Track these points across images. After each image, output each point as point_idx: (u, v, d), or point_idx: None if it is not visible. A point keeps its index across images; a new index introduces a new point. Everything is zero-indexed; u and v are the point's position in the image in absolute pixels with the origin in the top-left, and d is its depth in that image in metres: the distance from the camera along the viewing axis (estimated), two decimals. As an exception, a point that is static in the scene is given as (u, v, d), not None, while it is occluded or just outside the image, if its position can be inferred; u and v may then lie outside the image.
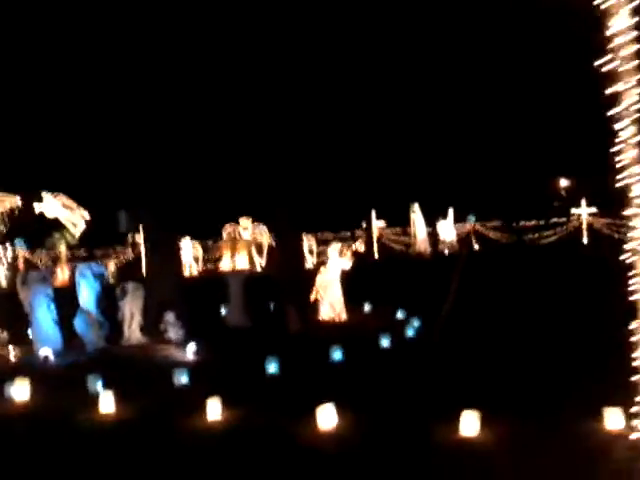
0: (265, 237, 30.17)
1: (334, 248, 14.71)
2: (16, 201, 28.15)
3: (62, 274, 27.15)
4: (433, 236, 34.51)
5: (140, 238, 31.00)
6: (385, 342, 11.60)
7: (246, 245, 13.86)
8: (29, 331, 13.16)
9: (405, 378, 9.27)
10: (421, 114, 37.01)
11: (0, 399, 8.97)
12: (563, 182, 49.20)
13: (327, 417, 7.15)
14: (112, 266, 28.62)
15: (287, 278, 13.23)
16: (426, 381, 8.98)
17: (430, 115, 37.70)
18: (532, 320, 11.98)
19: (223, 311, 15.22)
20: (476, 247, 35.47)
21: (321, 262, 14.97)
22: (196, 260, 29.42)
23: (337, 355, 10.66)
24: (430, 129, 38.41)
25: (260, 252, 29.20)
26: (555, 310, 12.75)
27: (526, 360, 9.50)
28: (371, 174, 36.52)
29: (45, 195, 28.87)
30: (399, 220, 36.50)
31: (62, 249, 30.08)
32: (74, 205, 28.90)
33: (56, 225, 29.67)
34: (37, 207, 28.91)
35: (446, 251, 33.87)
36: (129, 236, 30.64)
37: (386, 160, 36.42)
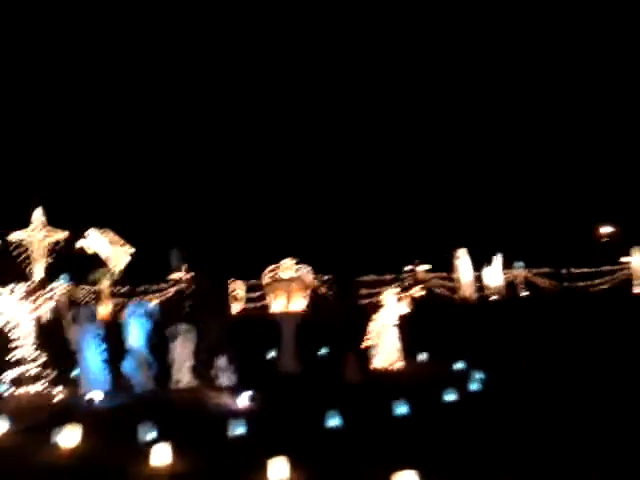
0: (309, 279, 29.66)
1: (391, 292, 14.00)
2: (64, 236, 28.41)
3: (105, 310, 26.98)
4: (478, 281, 33.58)
5: (182, 275, 30.86)
6: (449, 396, 10.81)
7: (303, 286, 13.21)
8: (74, 370, 12.82)
9: (475, 435, 8.49)
10: (470, 158, 36.48)
11: (45, 444, 8.45)
12: (606, 229, 47.82)
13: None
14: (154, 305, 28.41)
15: (345, 324, 12.55)
16: (498, 438, 8.23)
17: (477, 161, 37.18)
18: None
19: (270, 355, 14.65)
20: (525, 293, 34.39)
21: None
22: (236, 300, 29.02)
23: (401, 409, 9.89)
24: (477, 175, 37.79)
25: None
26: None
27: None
28: (417, 218, 35.89)
29: (92, 231, 29.07)
30: (443, 265, 35.66)
31: (105, 284, 30.01)
32: (120, 241, 28.95)
33: (100, 261, 29.77)
34: (79, 243, 29.08)
35: (493, 297, 32.84)
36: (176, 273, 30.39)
37: (433, 204, 35.79)
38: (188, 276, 30.72)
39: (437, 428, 9.04)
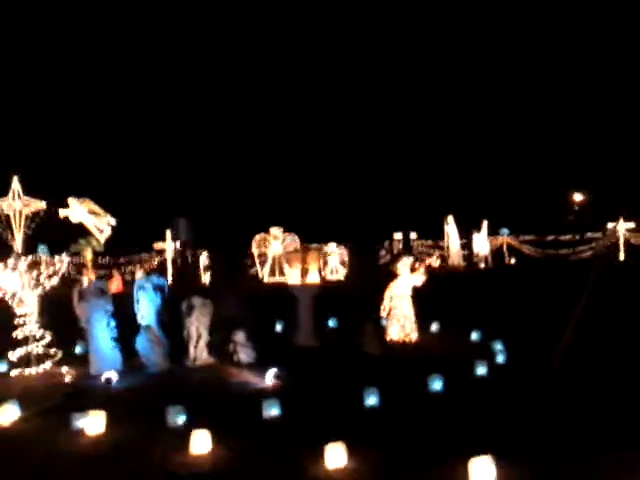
0: (297, 247, 29.03)
1: (404, 263, 13.47)
2: (42, 205, 27.17)
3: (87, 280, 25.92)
4: (467, 249, 33.43)
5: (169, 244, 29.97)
6: (480, 369, 10.42)
7: (317, 256, 12.58)
8: (77, 348, 12.10)
9: (519, 412, 8.13)
10: (454, 128, 36.04)
11: (65, 430, 7.78)
12: (577, 196, 48.11)
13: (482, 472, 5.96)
14: (139, 274, 27.51)
15: (363, 296, 12.02)
16: (545, 414, 7.90)
17: (461, 129, 36.77)
18: None
19: (278, 328, 14.11)
20: (512, 261, 34.38)
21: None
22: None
23: (436, 385, 9.46)
24: (461, 142, 37.41)
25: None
26: None
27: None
28: (403, 186, 35.44)
29: (71, 200, 27.84)
30: (431, 232, 35.42)
31: (88, 256, 28.96)
32: (101, 211, 27.85)
33: (81, 231, 28.68)
34: (62, 212, 27.89)
35: (482, 265, 32.72)
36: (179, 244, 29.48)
37: (419, 172, 35.34)
38: (176, 246, 29.93)
39: (477, 404, 8.66)
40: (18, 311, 10.12)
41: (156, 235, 30.47)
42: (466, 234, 33.06)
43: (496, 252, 34.55)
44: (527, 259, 34.81)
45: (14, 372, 10.04)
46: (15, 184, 27.18)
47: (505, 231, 35.54)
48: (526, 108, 37.86)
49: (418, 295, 13.76)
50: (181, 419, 7.90)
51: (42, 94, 29.06)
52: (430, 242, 34.91)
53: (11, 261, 10.33)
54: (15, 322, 10.12)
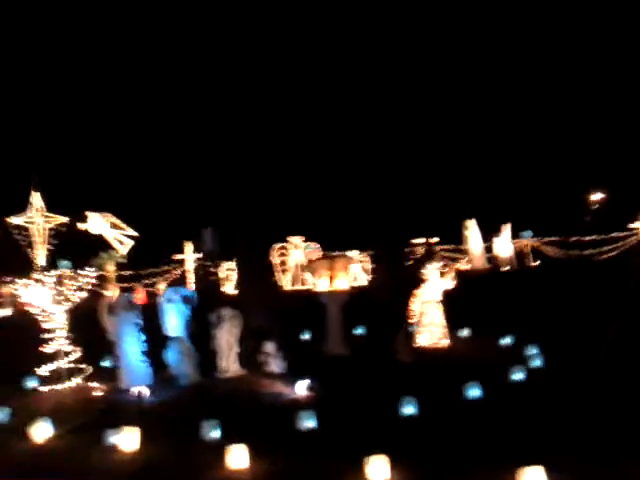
0: (319, 256, 28.85)
1: (434, 266, 13.24)
2: (63, 220, 27.31)
3: (113, 294, 25.94)
4: (489, 252, 33.04)
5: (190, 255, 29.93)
6: (517, 375, 10.15)
7: (345, 264, 12.39)
8: (106, 362, 12.00)
9: (562, 417, 7.86)
10: (472, 131, 35.69)
11: (99, 446, 7.65)
12: (595, 196, 47.45)
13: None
14: (162, 286, 27.49)
15: (394, 303, 11.82)
16: (590, 418, 7.63)
17: (480, 132, 36.39)
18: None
19: (305, 336, 13.93)
20: (535, 263, 33.89)
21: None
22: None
23: (473, 391, 9.21)
24: (479, 145, 37.02)
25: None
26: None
27: None
28: (422, 191, 35.11)
29: (91, 214, 28.01)
30: (451, 237, 35.09)
31: (110, 268, 28.99)
32: (122, 224, 27.94)
33: (102, 245, 28.78)
34: (82, 226, 28.02)
35: (505, 268, 32.27)
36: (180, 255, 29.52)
37: (437, 177, 35.01)
38: (198, 255, 29.88)
39: (517, 410, 8.41)
40: (47, 326, 10.03)
41: (175, 247, 30.49)
42: (488, 238, 32.71)
43: (519, 255, 34.11)
44: (550, 261, 34.33)
45: (44, 388, 9.95)
46: (36, 199, 27.42)
47: (528, 234, 35.07)
48: (544, 108, 37.37)
49: (447, 300, 13.53)
50: (216, 433, 7.75)
51: (61, 109, 29.23)
52: (452, 246, 34.58)
53: (38, 276, 10.24)
54: (44, 337, 10.03)
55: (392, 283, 12.44)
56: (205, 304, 11.56)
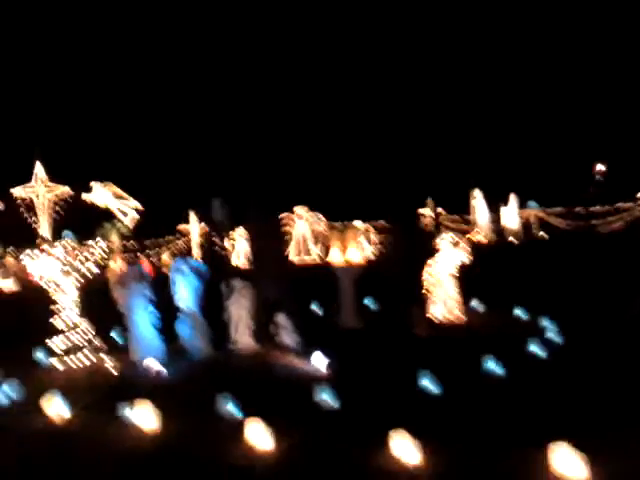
0: (322, 226, 28.61)
1: (446, 238, 12.96)
2: (66, 190, 27.08)
3: (115, 266, 25.83)
4: (496, 223, 32.77)
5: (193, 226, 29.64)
6: (537, 349, 9.96)
7: (356, 234, 12.12)
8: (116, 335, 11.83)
9: (586, 391, 7.68)
10: (477, 101, 35.11)
11: (115, 424, 7.48)
12: (599, 167, 47.00)
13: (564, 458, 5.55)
14: (166, 256, 27.28)
15: (407, 274, 11.58)
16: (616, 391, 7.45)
17: (484, 101, 35.81)
18: None
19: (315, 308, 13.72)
20: (541, 234, 33.66)
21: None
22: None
23: (492, 366, 9.02)
24: (484, 114, 36.46)
25: (317, 241, 27.71)
26: None
27: None
28: (427, 160, 34.70)
29: (95, 185, 27.66)
30: (457, 207, 34.82)
31: (115, 240, 28.75)
32: (124, 195, 27.62)
33: (107, 216, 28.50)
34: (86, 196, 27.70)
35: (511, 238, 32.03)
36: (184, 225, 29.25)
37: (442, 147, 34.59)
38: (204, 228, 29.64)
39: (540, 385, 8.23)
40: (56, 298, 9.80)
41: (179, 217, 30.25)
42: (494, 208, 32.41)
43: (525, 226, 33.85)
44: (556, 232, 34.07)
45: (55, 362, 9.76)
46: (38, 170, 27.12)
47: (533, 204, 34.74)
48: (551, 79, 36.75)
49: (459, 272, 13.29)
50: (233, 408, 7.58)
51: (63, 80, 28.75)
52: (457, 217, 34.36)
53: (46, 247, 9.98)
54: (53, 310, 9.81)
55: (404, 254, 12.16)
56: (215, 275, 11.32)
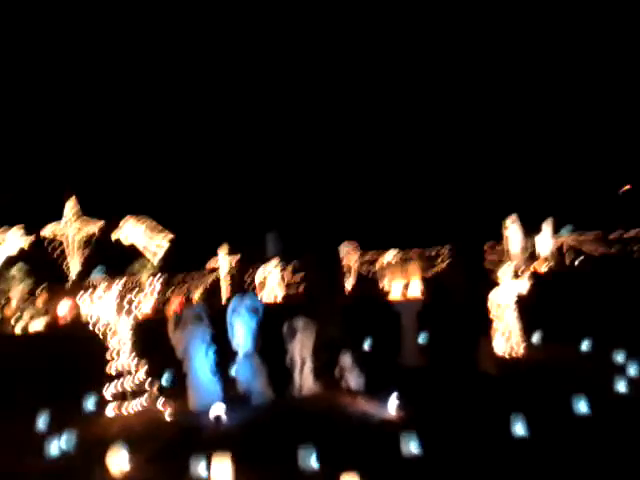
0: (353, 259, 28.06)
1: (508, 268, 12.37)
2: (96, 229, 26.79)
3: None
4: (529, 251, 31.94)
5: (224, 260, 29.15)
6: (620, 386, 9.28)
7: (419, 267, 11.56)
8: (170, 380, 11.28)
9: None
10: (511, 127, 34.66)
11: (186, 478, 6.89)
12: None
13: None
14: (197, 294, 26.83)
15: (471, 307, 10.98)
16: None
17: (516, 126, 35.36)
18: None
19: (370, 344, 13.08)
20: (571, 262, 32.73)
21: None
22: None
23: (578, 405, 8.35)
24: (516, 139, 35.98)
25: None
26: None
27: None
28: (456, 187, 34.20)
29: (125, 222, 27.44)
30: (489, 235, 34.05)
31: (144, 277, 28.32)
32: (158, 228, 27.30)
33: (136, 252, 28.20)
34: (116, 233, 27.43)
35: (543, 268, 31.12)
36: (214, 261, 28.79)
37: (472, 176, 34.08)
38: (234, 259, 29.10)
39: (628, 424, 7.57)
40: (111, 342, 9.27)
41: (211, 252, 29.81)
42: (529, 235, 31.63)
43: (558, 252, 32.98)
44: (590, 259, 33.15)
45: (108, 410, 9.20)
46: (68, 208, 26.84)
47: (567, 229, 33.89)
48: (585, 100, 36.13)
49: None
50: (314, 460, 6.96)
51: (95, 115, 28.81)
52: (489, 245, 33.59)
53: (101, 286, 9.49)
54: (108, 355, 9.28)
55: (469, 285, 11.56)
56: (272, 313, 10.77)
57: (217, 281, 29.73)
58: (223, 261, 29.43)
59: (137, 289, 9.48)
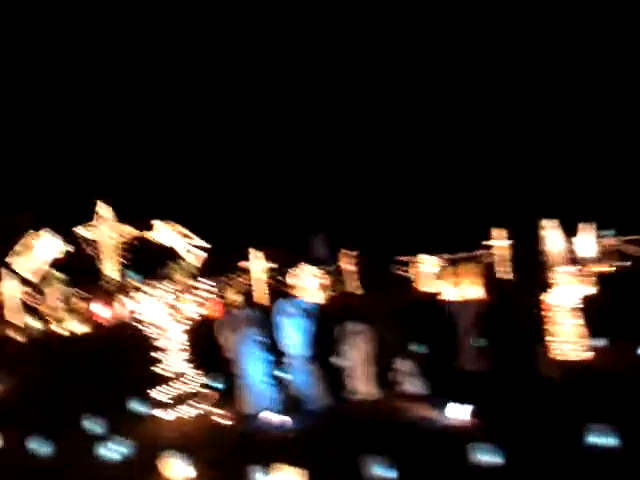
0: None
1: (566, 270, 11.85)
2: (130, 230, 26.84)
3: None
4: (569, 253, 31.11)
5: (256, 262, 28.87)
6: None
7: (476, 268, 11.13)
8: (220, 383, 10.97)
9: None
10: (551, 125, 33.91)
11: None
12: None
13: None
14: (232, 295, 26.52)
15: (528, 310, 10.51)
16: None
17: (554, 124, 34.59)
18: None
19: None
20: (611, 266, 31.78)
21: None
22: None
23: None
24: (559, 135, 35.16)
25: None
26: None
27: None
28: (491, 185, 33.50)
29: (158, 224, 27.48)
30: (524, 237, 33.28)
31: (180, 279, 28.19)
32: (188, 234, 27.26)
33: (171, 255, 28.18)
34: (151, 236, 27.46)
35: (603, 269, 30.06)
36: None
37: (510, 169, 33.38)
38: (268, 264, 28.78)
39: None
40: (162, 345, 8.99)
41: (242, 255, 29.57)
42: (568, 237, 30.81)
43: (602, 255, 32.08)
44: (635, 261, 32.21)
45: (159, 413, 8.90)
46: (101, 209, 26.93)
47: (609, 232, 32.96)
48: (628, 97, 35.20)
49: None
50: (387, 471, 6.58)
51: (127, 120, 28.90)
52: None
53: (153, 287, 9.22)
54: (159, 358, 9.00)
55: (527, 286, 11.09)
56: (326, 317, 10.41)
57: (250, 284, 29.46)
58: (255, 263, 29.18)
59: (186, 291, 9.15)
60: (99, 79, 27.76)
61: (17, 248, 25.35)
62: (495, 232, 32.19)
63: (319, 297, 26.35)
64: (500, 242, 32.51)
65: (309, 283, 26.76)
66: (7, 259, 25.37)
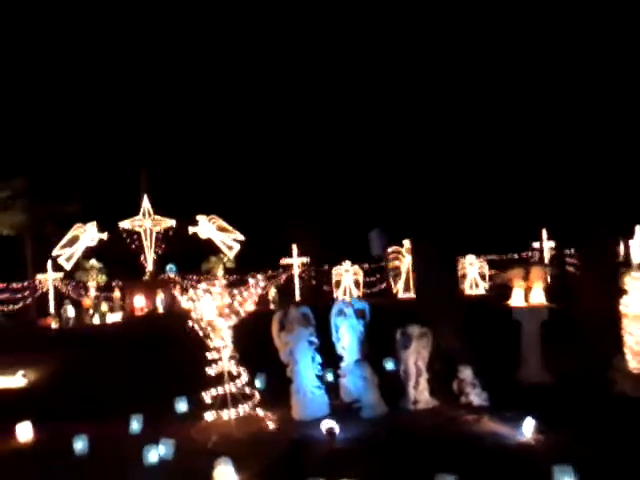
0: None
1: (636, 275, 10.94)
2: (172, 224, 26.63)
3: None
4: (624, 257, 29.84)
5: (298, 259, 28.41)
6: None
7: (542, 272, 10.37)
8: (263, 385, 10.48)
9: None
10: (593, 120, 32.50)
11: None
12: None
13: None
14: (272, 292, 26.13)
15: (602, 319, 9.74)
16: None
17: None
18: None
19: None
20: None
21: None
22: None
23: None
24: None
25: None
26: None
27: None
28: (543, 185, 32.21)
29: (200, 218, 27.18)
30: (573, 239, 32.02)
31: (219, 273, 27.95)
32: (229, 228, 26.87)
33: (212, 249, 27.84)
34: (191, 230, 27.15)
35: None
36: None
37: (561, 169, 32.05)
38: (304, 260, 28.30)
39: None
40: (211, 344, 8.49)
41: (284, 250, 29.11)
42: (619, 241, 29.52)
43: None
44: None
45: (208, 415, 8.42)
46: (146, 203, 26.80)
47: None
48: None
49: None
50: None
51: (170, 114, 28.65)
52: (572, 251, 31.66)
53: (210, 283, 8.70)
54: (208, 357, 8.51)
55: (601, 293, 10.30)
56: (379, 318, 9.81)
57: (289, 281, 29.01)
58: (296, 260, 28.68)
59: (242, 287, 8.61)
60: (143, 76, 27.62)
61: (64, 239, 25.45)
62: (544, 232, 31.15)
63: (356, 294, 25.78)
64: (548, 243, 31.50)
65: (347, 280, 26.26)
66: (54, 250, 25.49)
